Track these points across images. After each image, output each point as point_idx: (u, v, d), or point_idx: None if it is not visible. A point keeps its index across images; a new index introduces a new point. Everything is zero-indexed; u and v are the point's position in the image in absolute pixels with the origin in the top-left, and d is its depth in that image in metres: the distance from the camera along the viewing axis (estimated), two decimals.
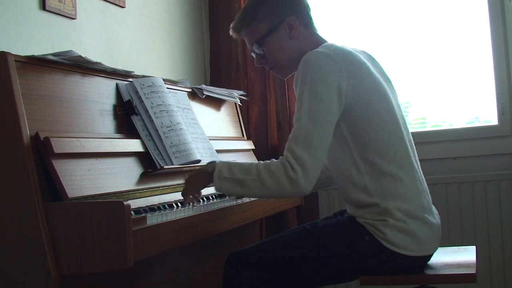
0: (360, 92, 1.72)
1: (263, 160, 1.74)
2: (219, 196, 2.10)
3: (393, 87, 1.92)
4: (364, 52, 1.91)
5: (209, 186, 1.79)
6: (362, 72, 1.76)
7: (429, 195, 1.84)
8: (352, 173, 1.75)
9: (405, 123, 1.86)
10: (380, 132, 1.74)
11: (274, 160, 1.70)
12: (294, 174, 1.62)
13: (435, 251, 1.81)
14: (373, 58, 1.93)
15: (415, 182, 1.78)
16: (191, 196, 1.83)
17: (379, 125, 1.74)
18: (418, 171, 1.83)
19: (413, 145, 1.86)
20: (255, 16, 1.87)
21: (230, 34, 1.96)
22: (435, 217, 1.82)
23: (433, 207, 1.85)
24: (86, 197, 1.58)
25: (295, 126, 1.69)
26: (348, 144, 1.75)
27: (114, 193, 1.70)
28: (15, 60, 1.58)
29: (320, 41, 1.88)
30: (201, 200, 1.98)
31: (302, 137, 1.64)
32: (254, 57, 1.94)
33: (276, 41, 1.87)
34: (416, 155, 1.86)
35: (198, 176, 1.79)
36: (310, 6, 1.93)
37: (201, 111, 2.45)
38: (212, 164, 1.76)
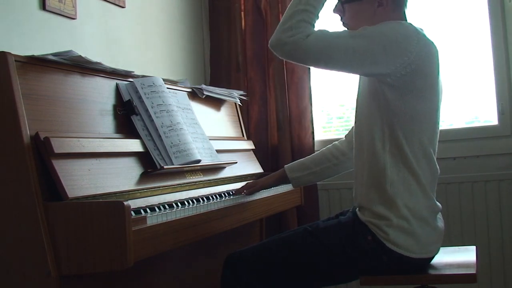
0: (417, 83, 1.68)
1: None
2: (219, 196, 2.10)
3: (441, 92, 1.84)
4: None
5: None
6: (431, 68, 1.72)
7: (437, 202, 1.82)
8: (376, 145, 1.73)
9: (438, 129, 1.82)
10: (416, 125, 1.71)
11: (304, 22, 1.67)
12: (294, 37, 1.64)
13: (437, 253, 1.80)
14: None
15: (428, 185, 1.76)
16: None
17: (419, 121, 1.72)
18: (435, 175, 1.81)
19: (436, 150, 1.82)
20: None
21: None
22: (438, 220, 1.81)
23: (439, 212, 1.84)
24: (86, 197, 1.58)
25: (332, 31, 1.68)
26: (385, 117, 1.72)
27: (114, 193, 1.70)
28: (15, 60, 1.58)
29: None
30: (201, 200, 1.98)
31: (326, 38, 1.65)
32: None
33: (359, 10, 1.80)
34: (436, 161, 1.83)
35: None
36: None
37: (201, 111, 2.45)
38: None
